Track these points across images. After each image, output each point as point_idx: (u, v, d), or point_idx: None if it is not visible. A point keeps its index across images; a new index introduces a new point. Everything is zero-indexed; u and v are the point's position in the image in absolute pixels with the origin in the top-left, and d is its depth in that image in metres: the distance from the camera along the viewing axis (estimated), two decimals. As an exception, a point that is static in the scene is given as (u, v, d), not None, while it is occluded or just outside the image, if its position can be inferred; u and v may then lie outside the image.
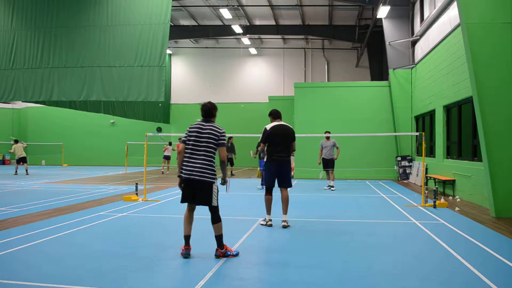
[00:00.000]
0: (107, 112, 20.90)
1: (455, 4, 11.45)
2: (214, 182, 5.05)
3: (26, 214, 8.21)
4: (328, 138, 13.18)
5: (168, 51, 27.14)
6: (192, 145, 5.06)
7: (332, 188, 13.01)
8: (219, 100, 27.23)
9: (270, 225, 7.06)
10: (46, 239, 6.06)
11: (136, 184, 10.76)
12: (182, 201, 5.15)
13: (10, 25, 13.65)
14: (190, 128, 5.18)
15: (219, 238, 5.05)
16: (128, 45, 12.55)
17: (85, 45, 12.95)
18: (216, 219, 5.08)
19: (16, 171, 19.28)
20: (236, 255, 5.12)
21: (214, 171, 5.09)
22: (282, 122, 7.23)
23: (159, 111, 26.23)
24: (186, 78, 28.42)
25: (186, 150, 5.09)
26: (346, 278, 4.41)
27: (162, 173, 20.55)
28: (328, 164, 13.17)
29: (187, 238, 5.13)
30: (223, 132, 5.14)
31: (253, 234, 6.58)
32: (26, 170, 19.23)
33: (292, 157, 7.29)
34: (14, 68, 13.47)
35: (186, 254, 5.06)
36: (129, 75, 12.44)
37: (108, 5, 12.87)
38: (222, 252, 5.02)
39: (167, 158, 20.68)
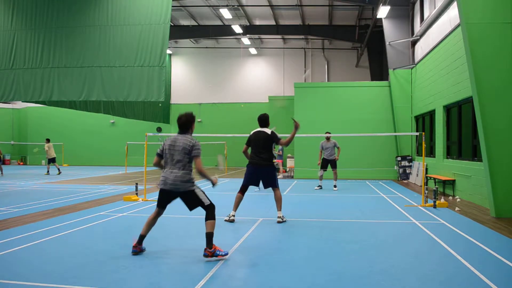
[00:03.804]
0: (107, 112, 20.90)
1: (455, 4, 11.45)
2: (194, 188, 5.17)
3: (26, 214, 8.21)
4: (328, 139, 13.14)
5: (168, 51, 27.15)
6: (169, 158, 5.17)
7: (334, 188, 13.03)
8: (219, 100, 27.28)
9: (232, 221, 7.40)
10: (46, 239, 6.06)
11: (136, 184, 10.76)
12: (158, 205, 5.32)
13: (10, 25, 13.64)
14: (166, 141, 5.30)
15: (209, 236, 5.02)
16: (128, 45, 12.54)
17: (85, 45, 12.94)
18: (210, 216, 5.12)
19: (48, 171, 19.80)
20: (225, 255, 5.06)
21: (191, 177, 5.16)
22: (260, 129, 7.62)
23: (159, 111, 26.22)
24: (186, 78, 28.42)
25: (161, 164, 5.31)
26: (346, 278, 4.41)
27: (162, 173, 20.54)
28: (329, 164, 13.17)
29: (142, 237, 5.33)
30: (197, 144, 5.17)
31: (252, 234, 6.59)
32: (58, 169, 19.78)
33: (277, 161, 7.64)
34: (14, 68, 13.46)
35: (135, 252, 5.24)
36: (129, 75, 12.43)
37: (108, 5, 12.87)
38: (210, 251, 4.98)
39: (167, 158, 20.66)
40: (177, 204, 5.62)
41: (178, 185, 5.06)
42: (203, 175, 5.07)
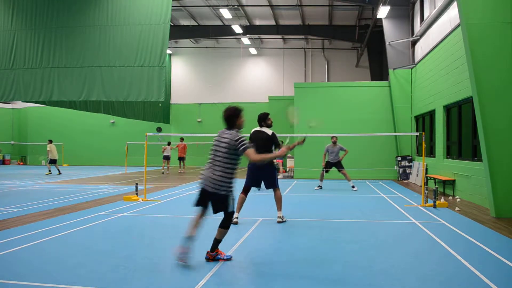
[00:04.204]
0: (107, 112, 20.90)
1: (455, 4, 11.45)
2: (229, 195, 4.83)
3: (26, 214, 8.21)
4: (334, 143, 13.20)
5: (168, 51, 27.14)
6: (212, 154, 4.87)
7: (354, 189, 13.00)
8: (219, 100, 27.26)
9: (235, 223, 7.24)
10: (46, 239, 6.06)
11: (136, 184, 10.76)
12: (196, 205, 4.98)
13: (10, 25, 13.64)
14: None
15: (217, 242, 4.93)
16: (128, 45, 12.54)
17: (85, 45, 12.94)
18: (226, 224, 4.91)
19: (50, 170, 19.78)
20: (229, 259, 4.96)
21: (230, 181, 4.80)
22: (260, 129, 7.54)
23: (159, 111, 26.22)
24: (186, 78, 28.42)
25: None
26: (346, 278, 4.41)
27: (162, 173, 20.55)
28: (333, 166, 13.26)
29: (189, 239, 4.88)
30: (242, 137, 4.81)
31: (253, 234, 6.59)
32: (58, 170, 19.72)
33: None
34: (14, 68, 13.46)
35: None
36: (129, 75, 12.43)
37: (108, 5, 12.87)
38: (212, 255, 4.90)
39: (166, 158, 20.68)
40: (177, 204, 5.61)
41: (213, 186, 4.73)
42: (268, 159, 4.78)
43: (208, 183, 4.74)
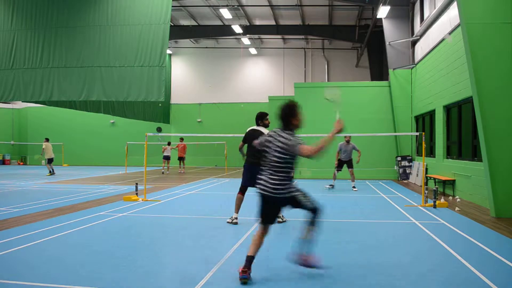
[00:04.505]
0: (107, 112, 20.91)
1: (455, 4, 11.45)
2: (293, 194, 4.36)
3: (26, 214, 8.21)
4: (348, 142, 13.22)
5: (168, 51, 27.15)
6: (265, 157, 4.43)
7: (354, 189, 13.03)
8: (219, 100, 27.28)
9: (235, 223, 7.22)
10: (46, 239, 6.06)
11: (136, 184, 10.76)
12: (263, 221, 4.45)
13: (10, 25, 13.65)
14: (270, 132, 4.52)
15: (306, 242, 4.46)
16: (128, 45, 12.55)
17: (85, 45, 12.95)
18: (314, 221, 4.47)
19: (50, 171, 19.21)
20: (318, 267, 4.48)
21: (288, 183, 4.36)
22: (256, 127, 7.44)
23: (159, 111, 26.23)
24: (186, 78, 28.43)
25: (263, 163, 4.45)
26: (346, 278, 4.41)
27: (162, 173, 20.55)
28: (345, 165, 13.31)
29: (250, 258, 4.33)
30: (296, 140, 4.27)
31: (252, 234, 6.57)
32: (52, 170, 19.35)
33: None
34: (14, 68, 13.47)
35: (244, 278, 4.20)
36: (129, 75, 12.44)
37: (108, 5, 12.87)
38: (304, 258, 4.44)
39: (166, 158, 20.68)
40: (177, 204, 5.61)
41: (274, 192, 4.28)
42: (323, 147, 4.09)
43: (267, 189, 4.30)
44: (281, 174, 4.30)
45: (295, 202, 4.37)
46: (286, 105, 4.40)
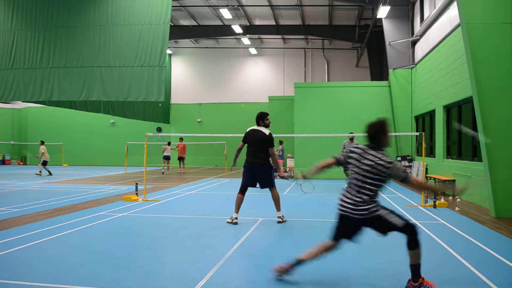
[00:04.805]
0: (107, 112, 20.90)
1: (455, 4, 11.45)
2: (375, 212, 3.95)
3: (26, 214, 8.21)
4: (352, 139, 13.17)
5: (168, 51, 27.15)
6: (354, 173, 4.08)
7: None
8: (219, 100, 27.28)
9: (235, 223, 7.22)
10: (46, 239, 6.06)
11: (136, 184, 10.76)
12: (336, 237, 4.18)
13: (10, 25, 13.65)
14: (353, 148, 4.21)
15: (415, 269, 3.96)
16: (128, 45, 12.55)
17: (85, 45, 12.95)
18: (413, 243, 3.92)
19: (49, 172, 19.09)
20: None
21: (371, 203, 3.96)
22: (256, 127, 7.43)
23: (159, 111, 26.24)
24: (186, 78, 28.43)
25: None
26: (346, 278, 4.41)
27: (162, 173, 20.55)
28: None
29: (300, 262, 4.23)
30: (394, 164, 3.95)
31: (252, 234, 6.58)
32: (40, 172, 19.18)
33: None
34: (14, 68, 13.47)
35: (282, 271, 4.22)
36: (129, 75, 12.44)
37: (108, 5, 12.87)
38: (415, 286, 3.94)
39: (166, 158, 20.68)
40: (177, 204, 5.61)
41: (360, 213, 3.93)
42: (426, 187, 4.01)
43: (350, 210, 3.96)
44: (368, 195, 3.94)
45: (382, 222, 3.93)
46: (377, 122, 4.10)
